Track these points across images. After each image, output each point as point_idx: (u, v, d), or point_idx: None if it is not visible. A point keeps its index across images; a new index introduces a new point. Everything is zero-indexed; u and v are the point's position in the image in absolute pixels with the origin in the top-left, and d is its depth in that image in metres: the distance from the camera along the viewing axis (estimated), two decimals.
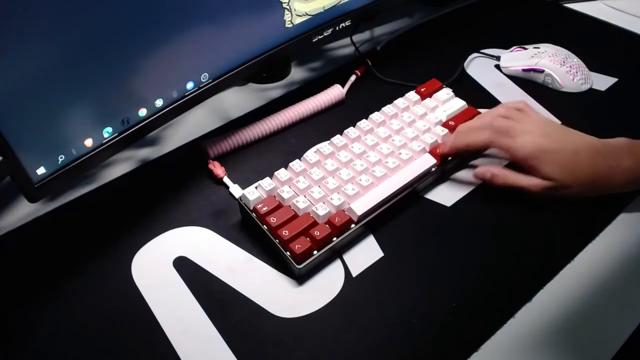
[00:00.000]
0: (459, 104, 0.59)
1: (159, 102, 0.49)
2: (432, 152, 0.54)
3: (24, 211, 0.54)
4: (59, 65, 0.40)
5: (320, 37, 0.61)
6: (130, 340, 0.43)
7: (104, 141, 0.47)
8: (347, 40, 0.73)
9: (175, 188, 0.55)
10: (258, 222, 0.48)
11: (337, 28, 0.62)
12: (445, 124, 0.57)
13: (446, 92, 0.60)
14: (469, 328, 0.43)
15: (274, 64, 0.59)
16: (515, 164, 0.51)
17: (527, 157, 0.49)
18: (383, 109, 0.58)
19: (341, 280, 0.47)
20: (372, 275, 0.47)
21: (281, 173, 0.51)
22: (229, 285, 0.46)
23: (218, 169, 0.55)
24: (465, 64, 0.70)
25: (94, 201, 0.55)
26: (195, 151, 0.58)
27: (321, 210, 0.48)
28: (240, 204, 0.50)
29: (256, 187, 0.50)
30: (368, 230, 0.50)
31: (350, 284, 0.46)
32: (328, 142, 0.55)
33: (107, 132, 0.46)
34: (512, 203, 0.51)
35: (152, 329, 0.44)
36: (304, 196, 0.49)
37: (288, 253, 0.46)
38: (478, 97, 0.63)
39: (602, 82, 0.66)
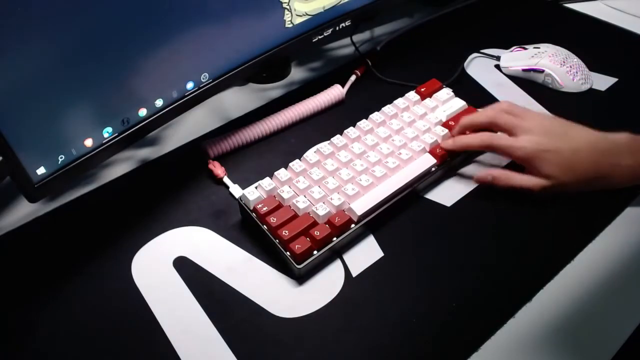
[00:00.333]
0: (459, 104, 0.59)
1: (159, 102, 0.49)
2: (432, 152, 0.54)
3: (24, 211, 0.54)
4: (59, 65, 0.40)
5: (320, 37, 0.61)
6: (130, 340, 0.43)
7: (104, 141, 0.47)
8: (347, 40, 0.73)
9: (175, 188, 0.55)
10: (258, 222, 0.48)
11: (337, 28, 0.62)
12: (445, 124, 0.57)
13: (446, 92, 0.60)
14: (469, 328, 0.43)
15: (274, 64, 0.59)
16: (516, 163, 0.51)
17: (527, 157, 0.49)
18: (383, 109, 0.58)
19: (341, 280, 0.47)
20: (372, 275, 0.47)
21: (281, 173, 0.51)
22: (229, 285, 0.46)
23: (218, 169, 0.55)
24: (465, 64, 0.70)
25: (94, 201, 0.55)
26: (195, 151, 0.58)
27: (321, 210, 0.48)
28: (240, 204, 0.50)
29: (256, 187, 0.50)
30: (368, 230, 0.50)
31: (350, 284, 0.46)
32: (328, 142, 0.55)
33: (107, 132, 0.46)
34: (512, 203, 0.51)
35: (152, 329, 0.44)
36: (304, 196, 0.49)
37: (288, 253, 0.46)
38: (478, 97, 0.63)
39: (602, 82, 0.66)
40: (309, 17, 0.58)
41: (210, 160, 0.57)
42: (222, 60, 0.53)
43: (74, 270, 0.48)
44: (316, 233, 0.46)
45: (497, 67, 0.69)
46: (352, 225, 0.48)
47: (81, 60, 0.41)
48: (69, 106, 0.42)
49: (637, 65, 0.69)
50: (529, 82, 0.67)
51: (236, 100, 0.67)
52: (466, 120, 0.54)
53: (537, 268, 0.47)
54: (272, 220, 0.47)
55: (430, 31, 0.75)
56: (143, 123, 0.49)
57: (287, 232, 0.46)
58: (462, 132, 0.54)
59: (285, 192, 0.49)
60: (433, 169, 0.53)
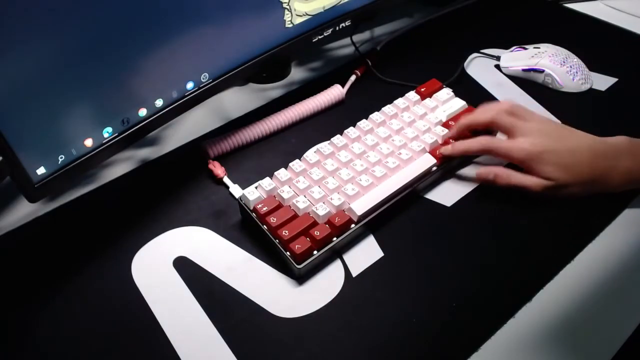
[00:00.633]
0: (459, 104, 0.59)
1: (159, 102, 0.49)
2: (432, 152, 0.54)
3: (24, 211, 0.54)
4: (59, 65, 0.40)
5: (320, 37, 0.61)
6: (130, 340, 0.43)
7: (104, 141, 0.47)
8: (347, 40, 0.73)
9: (175, 188, 0.55)
10: (258, 222, 0.48)
11: (337, 28, 0.62)
12: (445, 124, 0.57)
13: (446, 92, 0.60)
14: (469, 328, 0.43)
15: (274, 64, 0.59)
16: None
17: (526, 158, 0.49)
18: (383, 109, 0.58)
19: (341, 280, 0.47)
20: (372, 275, 0.47)
21: (281, 173, 0.51)
22: (229, 285, 0.46)
23: (218, 169, 0.55)
24: (465, 64, 0.70)
25: (94, 201, 0.55)
26: (195, 151, 0.58)
27: (321, 210, 0.48)
28: (240, 204, 0.50)
29: (256, 187, 0.50)
30: (368, 230, 0.50)
31: (350, 284, 0.46)
32: (328, 142, 0.55)
33: (107, 132, 0.46)
34: (512, 203, 0.51)
35: (152, 329, 0.44)
36: (304, 196, 0.49)
37: (288, 253, 0.46)
38: (478, 97, 0.63)
39: (602, 82, 0.66)
40: (309, 17, 0.58)
41: (210, 160, 0.57)
42: (222, 60, 0.53)
43: (74, 270, 0.48)
44: (316, 233, 0.46)
45: (497, 67, 0.69)
46: (352, 225, 0.48)
47: (81, 60, 0.41)
48: (69, 106, 0.42)
49: (637, 65, 0.69)
50: (529, 82, 0.67)
51: (236, 100, 0.67)
52: (466, 119, 0.54)
53: (537, 268, 0.47)
54: (272, 220, 0.47)
55: (430, 31, 0.75)
56: (143, 123, 0.49)
57: (287, 232, 0.46)
58: (461, 131, 0.54)
59: (285, 192, 0.49)
60: (433, 169, 0.53)
